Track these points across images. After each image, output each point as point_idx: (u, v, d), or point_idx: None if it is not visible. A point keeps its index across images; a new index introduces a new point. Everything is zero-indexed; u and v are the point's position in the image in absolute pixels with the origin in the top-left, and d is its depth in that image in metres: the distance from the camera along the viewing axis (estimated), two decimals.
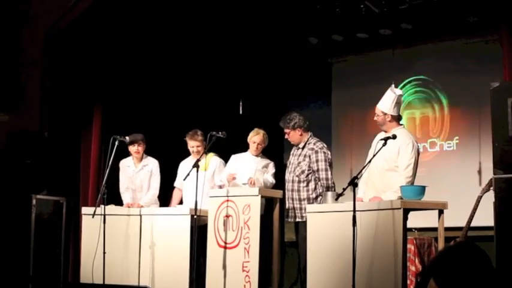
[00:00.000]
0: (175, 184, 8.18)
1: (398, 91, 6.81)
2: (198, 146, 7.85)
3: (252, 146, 7.74)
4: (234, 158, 7.89)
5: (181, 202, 8.07)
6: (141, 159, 8.21)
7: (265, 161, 7.78)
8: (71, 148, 9.19)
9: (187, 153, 8.09)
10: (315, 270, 6.57)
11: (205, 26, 9.50)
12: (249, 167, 7.66)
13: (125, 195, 8.21)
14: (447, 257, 2.48)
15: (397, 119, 6.73)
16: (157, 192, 8.21)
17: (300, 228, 7.16)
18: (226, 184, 7.55)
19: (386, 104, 6.67)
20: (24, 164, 8.63)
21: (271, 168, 7.74)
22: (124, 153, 8.24)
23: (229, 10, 9.27)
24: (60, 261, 8.59)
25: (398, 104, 6.70)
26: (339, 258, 6.33)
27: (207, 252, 7.17)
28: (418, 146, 6.83)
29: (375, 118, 6.75)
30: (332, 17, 9.29)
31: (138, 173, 8.22)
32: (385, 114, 6.65)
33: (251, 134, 7.76)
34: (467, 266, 2.44)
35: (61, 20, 9.14)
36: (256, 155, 7.76)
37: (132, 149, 8.10)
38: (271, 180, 7.65)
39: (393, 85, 6.94)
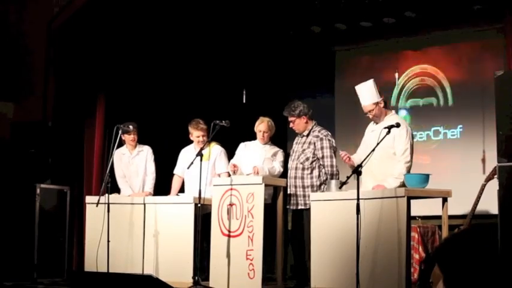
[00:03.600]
0: (176, 171, 8.19)
1: (370, 81, 6.82)
2: (203, 136, 7.88)
3: (259, 135, 7.74)
4: (243, 145, 7.90)
5: (181, 190, 8.09)
6: (135, 146, 8.28)
7: (274, 149, 7.79)
8: (74, 137, 9.22)
9: (189, 142, 8.10)
10: (318, 258, 6.59)
11: (208, 16, 9.48)
12: (258, 156, 7.67)
13: (124, 186, 8.25)
14: (453, 243, 2.48)
15: (387, 106, 6.77)
16: (154, 176, 8.29)
17: (305, 215, 7.16)
18: (231, 174, 7.56)
19: (371, 95, 6.70)
20: (28, 154, 8.66)
21: (280, 157, 7.74)
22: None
23: None
24: (65, 250, 8.63)
25: (376, 88, 6.72)
26: (342, 246, 6.34)
27: (211, 240, 7.19)
28: (411, 130, 6.82)
29: (370, 115, 6.74)
30: (335, 6, 9.27)
31: (133, 158, 8.30)
32: (376, 104, 6.66)
33: (257, 123, 7.77)
34: (472, 252, 2.44)
35: (64, 10, 9.14)
36: (265, 144, 7.77)
37: (128, 137, 8.19)
38: (278, 168, 7.65)
39: (363, 83, 6.91)
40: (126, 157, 8.31)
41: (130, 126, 7.95)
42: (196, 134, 7.91)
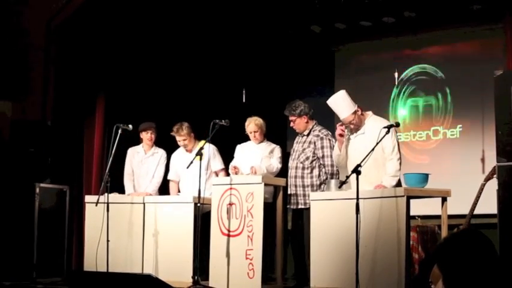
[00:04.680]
0: (169, 177, 8.20)
1: (340, 91, 6.80)
2: (184, 140, 7.92)
3: (251, 136, 7.74)
4: (239, 147, 7.89)
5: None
6: (152, 146, 8.28)
7: (271, 147, 7.77)
8: (74, 137, 9.21)
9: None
10: (318, 257, 6.59)
11: (208, 15, 9.48)
12: (255, 155, 7.66)
13: (128, 184, 8.25)
14: (452, 243, 2.48)
15: (362, 110, 6.75)
16: (161, 180, 8.27)
17: (305, 215, 7.16)
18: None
19: (347, 106, 6.65)
20: (27, 153, 8.65)
21: (277, 153, 7.73)
22: (127, 142, 8.25)
23: None
24: (64, 250, 8.62)
25: (350, 97, 6.69)
26: (342, 245, 6.34)
27: (211, 240, 7.18)
28: None
29: (351, 126, 6.69)
30: (335, 5, 9.27)
31: (147, 158, 8.29)
32: (354, 113, 6.64)
33: (245, 125, 7.76)
34: (471, 252, 2.44)
35: (64, 9, 9.14)
36: (259, 143, 7.76)
37: (145, 135, 8.21)
38: (276, 165, 7.64)
39: (332, 96, 6.89)
40: (140, 156, 8.32)
41: (130, 126, 7.95)
42: (177, 138, 7.97)
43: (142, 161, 8.30)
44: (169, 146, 8.40)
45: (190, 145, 7.91)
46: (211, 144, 7.94)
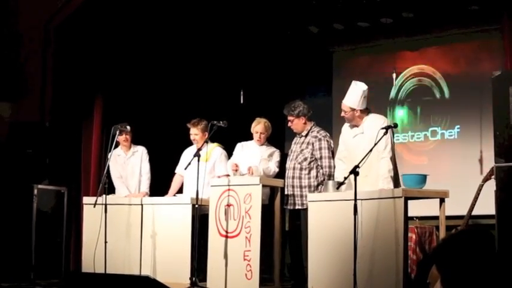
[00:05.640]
0: (177, 170, 8.18)
1: (364, 86, 6.81)
2: (195, 134, 7.89)
3: (255, 136, 7.73)
4: (240, 145, 7.89)
5: (180, 189, 8.09)
6: (130, 147, 8.29)
7: (271, 150, 7.77)
8: (72, 138, 9.21)
9: (188, 142, 8.10)
10: (316, 258, 6.59)
11: (205, 16, 9.48)
12: (254, 156, 7.66)
13: (120, 186, 8.24)
14: (450, 244, 2.48)
15: (364, 110, 6.75)
16: (149, 176, 8.30)
17: (302, 215, 7.16)
18: (232, 174, 7.54)
19: (354, 99, 6.70)
20: (25, 154, 8.65)
21: (276, 157, 7.73)
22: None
23: None
24: (62, 251, 8.62)
25: (365, 97, 6.73)
26: (340, 246, 6.33)
27: (209, 241, 7.18)
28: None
29: (343, 115, 6.77)
30: (333, 6, 9.27)
31: (129, 159, 8.31)
32: (353, 110, 6.68)
33: (253, 124, 7.76)
34: (469, 253, 2.44)
35: (62, 10, 9.14)
36: (261, 144, 7.75)
37: (121, 138, 8.17)
38: (274, 168, 7.64)
39: (358, 82, 6.91)
40: (121, 158, 8.32)
41: (128, 127, 7.96)
42: (191, 131, 7.94)
43: (125, 162, 8.32)
44: (166, 145, 8.42)
45: (200, 143, 7.83)
46: (222, 149, 7.94)
